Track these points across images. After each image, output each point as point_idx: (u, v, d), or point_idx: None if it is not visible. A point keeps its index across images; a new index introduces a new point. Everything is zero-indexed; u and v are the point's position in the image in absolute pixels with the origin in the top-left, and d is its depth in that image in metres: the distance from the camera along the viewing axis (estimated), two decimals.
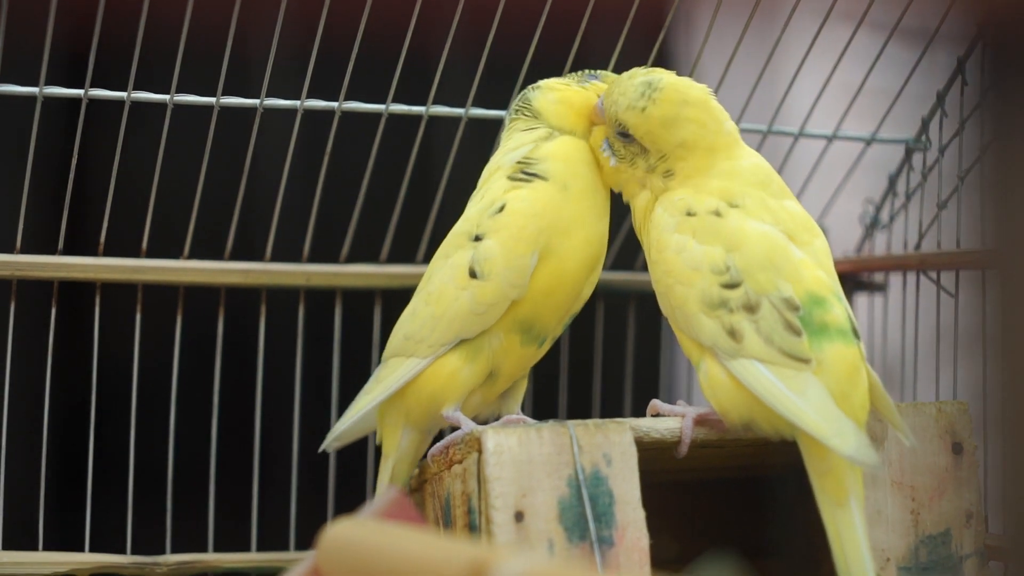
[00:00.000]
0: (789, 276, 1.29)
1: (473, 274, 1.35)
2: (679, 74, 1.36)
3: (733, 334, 1.28)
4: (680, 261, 1.31)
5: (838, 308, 1.29)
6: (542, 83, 1.43)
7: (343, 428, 1.42)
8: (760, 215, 1.32)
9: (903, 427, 1.31)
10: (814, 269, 1.30)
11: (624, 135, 1.35)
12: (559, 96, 1.41)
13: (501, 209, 1.36)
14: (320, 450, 1.45)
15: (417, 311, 1.39)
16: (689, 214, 1.32)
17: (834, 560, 1.25)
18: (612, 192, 1.41)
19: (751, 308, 1.28)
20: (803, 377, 1.26)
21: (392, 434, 1.40)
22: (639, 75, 1.35)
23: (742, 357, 1.28)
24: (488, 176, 1.41)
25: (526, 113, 1.42)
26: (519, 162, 1.38)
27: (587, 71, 1.43)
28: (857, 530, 1.25)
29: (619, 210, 1.42)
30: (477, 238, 1.36)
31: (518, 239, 1.35)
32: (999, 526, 1.43)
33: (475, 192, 1.42)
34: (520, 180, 1.37)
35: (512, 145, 1.41)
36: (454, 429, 1.36)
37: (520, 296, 1.35)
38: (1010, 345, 0.94)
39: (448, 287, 1.37)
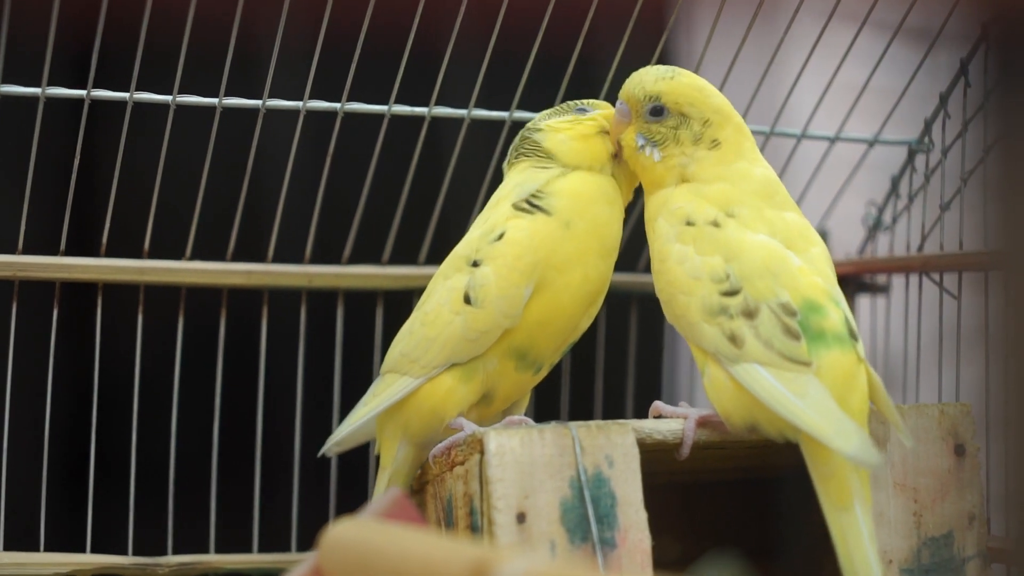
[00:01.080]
0: (786, 283, 1.29)
1: (468, 300, 1.36)
2: None
3: (734, 339, 1.28)
4: (682, 271, 1.32)
5: (835, 313, 1.29)
6: (543, 125, 1.42)
7: (342, 435, 1.43)
8: (755, 225, 1.32)
9: (902, 427, 1.31)
10: (811, 275, 1.31)
11: (658, 111, 1.35)
12: (571, 134, 1.40)
13: (500, 237, 1.36)
14: (319, 455, 1.45)
15: (413, 330, 1.40)
16: (688, 224, 1.32)
17: (840, 565, 1.24)
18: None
19: (750, 314, 1.28)
20: (804, 379, 1.26)
21: (390, 446, 1.40)
22: (653, 67, 1.37)
23: (743, 362, 1.28)
24: (495, 203, 1.41)
25: (538, 154, 1.41)
26: (531, 194, 1.38)
27: (573, 103, 1.43)
28: (862, 534, 1.24)
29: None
30: (475, 263, 1.37)
31: (513, 269, 1.35)
32: (1001, 528, 1.43)
33: (481, 214, 1.42)
34: (523, 210, 1.37)
35: (523, 179, 1.40)
36: None
37: (512, 325, 1.35)
38: (1014, 346, 0.94)
39: (443, 310, 1.37)
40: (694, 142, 1.34)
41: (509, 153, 1.45)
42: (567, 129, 1.41)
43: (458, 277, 1.38)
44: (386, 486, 1.40)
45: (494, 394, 1.38)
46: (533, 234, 1.36)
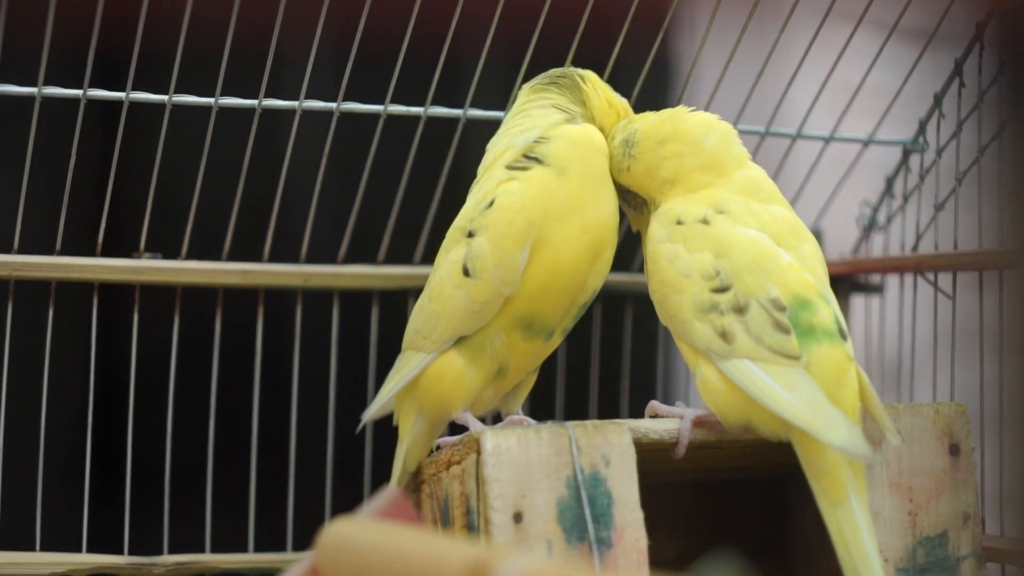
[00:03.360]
0: (776, 279, 1.30)
1: (466, 272, 1.36)
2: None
3: (725, 336, 1.29)
4: (672, 270, 1.32)
5: (825, 310, 1.30)
6: (590, 77, 1.43)
7: (374, 411, 1.43)
8: (745, 219, 1.33)
9: (890, 426, 1.31)
10: (800, 272, 1.31)
11: (625, 191, 1.40)
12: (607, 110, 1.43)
13: (491, 204, 1.36)
14: (357, 429, 1.46)
15: (423, 306, 1.40)
16: (679, 223, 1.33)
17: (840, 561, 1.24)
18: None
19: (740, 310, 1.29)
20: (793, 373, 1.27)
21: (406, 420, 1.41)
22: (618, 133, 1.40)
23: (734, 358, 1.28)
24: (493, 159, 1.40)
25: (571, 97, 1.41)
26: (534, 141, 1.37)
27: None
28: (860, 528, 1.25)
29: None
30: (470, 234, 1.36)
31: (506, 236, 1.35)
32: (996, 527, 1.43)
33: (479, 171, 1.42)
34: (516, 169, 1.36)
35: (532, 124, 1.40)
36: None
37: (513, 293, 1.35)
38: (1018, 346, 0.95)
39: (446, 284, 1.37)
40: (653, 211, 1.38)
41: (538, 78, 1.44)
42: (608, 99, 1.43)
43: (457, 250, 1.38)
44: (404, 458, 1.40)
45: (507, 367, 1.37)
46: (523, 195, 1.35)
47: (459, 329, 1.36)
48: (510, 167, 1.37)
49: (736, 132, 1.39)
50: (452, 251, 1.38)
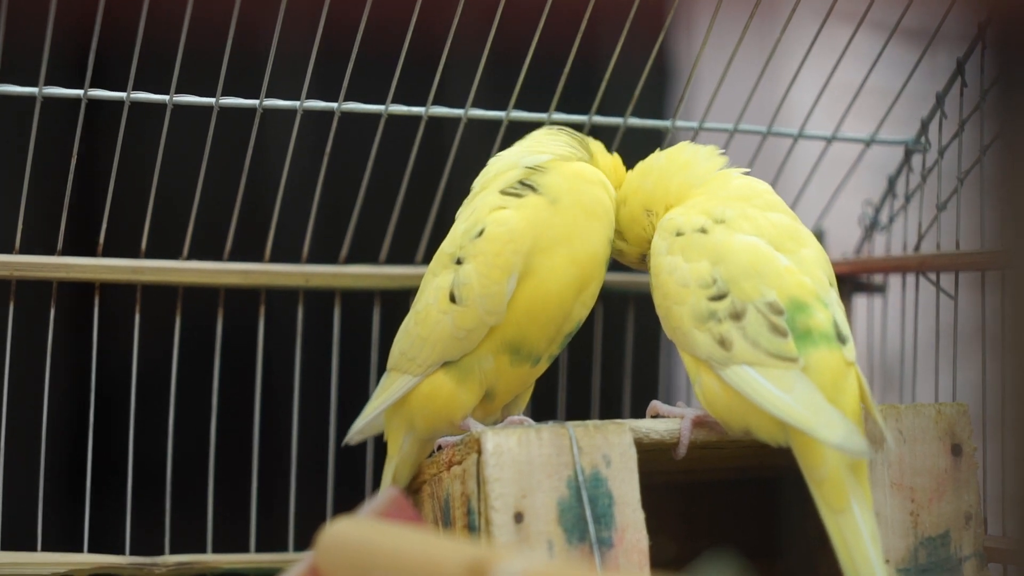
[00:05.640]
0: (772, 282, 1.30)
1: (453, 299, 1.36)
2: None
3: (723, 343, 1.28)
4: (672, 282, 1.32)
5: (822, 313, 1.29)
6: (594, 145, 1.44)
7: (358, 427, 1.44)
8: (742, 226, 1.33)
9: (885, 430, 1.31)
10: (797, 275, 1.31)
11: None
12: (614, 164, 1.44)
13: (480, 233, 1.36)
14: (343, 443, 1.47)
15: (408, 329, 1.40)
16: (678, 234, 1.33)
17: (842, 569, 1.24)
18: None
19: (737, 316, 1.29)
20: (791, 375, 1.27)
21: (395, 438, 1.42)
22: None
23: (733, 364, 1.28)
24: (494, 176, 1.40)
25: (581, 144, 1.42)
26: (528, 168, 1.37)
27: None
28: (862, 536, 1.24)
29: None
30: (459, 261, 1.36)
31: (493, 266, 1.35)
32: (998, 528, 1.43)
33: (474, 190, 1.42)
34: (510, 195, 1.36)
35: (539, 148, 1.40)
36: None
37: (498, 322, 1.35)
38: (1013, 345, 0.94)
39: (432, 309, 1.37)
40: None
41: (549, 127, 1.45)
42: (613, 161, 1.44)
43: (445, 275, 1.38)
44: (392, 475, 1.41)
45: (495, 391, 1.38)
46: (513, 226, 1.35)
47: (444, 354, 1.37)
48: (504, 192, 1.37)
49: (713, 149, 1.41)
50: (440, 276, 1.38)
